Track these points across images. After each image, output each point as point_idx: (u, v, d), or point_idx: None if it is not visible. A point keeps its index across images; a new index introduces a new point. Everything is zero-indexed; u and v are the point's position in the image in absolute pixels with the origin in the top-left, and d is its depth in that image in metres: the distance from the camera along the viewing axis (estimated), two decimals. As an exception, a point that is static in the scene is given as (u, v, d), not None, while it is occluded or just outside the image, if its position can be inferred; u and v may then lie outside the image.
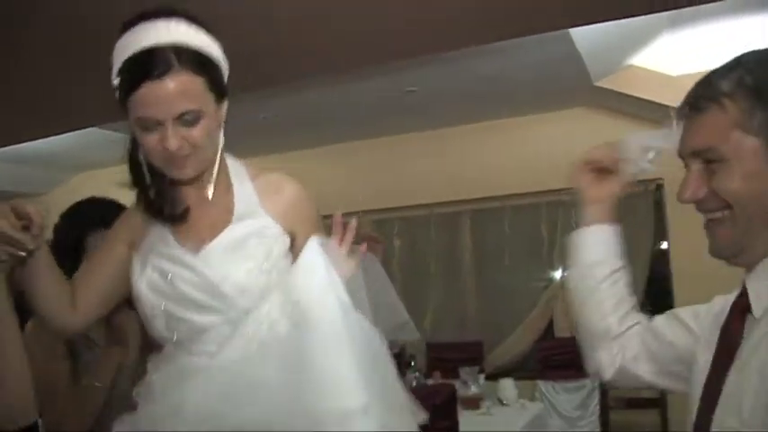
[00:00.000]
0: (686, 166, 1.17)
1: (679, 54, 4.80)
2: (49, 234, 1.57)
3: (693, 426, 1.16)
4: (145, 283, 1.45)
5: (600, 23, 3.97)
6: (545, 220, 6.42)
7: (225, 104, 1.45)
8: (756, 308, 1.10)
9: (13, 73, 3.91)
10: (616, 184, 1.42)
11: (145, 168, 1.44)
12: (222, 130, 1.47)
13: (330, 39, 3.93)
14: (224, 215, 1.47)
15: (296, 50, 4.11)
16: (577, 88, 5.56)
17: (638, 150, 1.36)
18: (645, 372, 1.36)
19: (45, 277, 1.44)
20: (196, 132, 1.36)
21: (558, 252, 6.31)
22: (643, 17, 3.94)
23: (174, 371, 1.43)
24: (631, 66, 5.31)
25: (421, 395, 3.87)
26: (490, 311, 6.58)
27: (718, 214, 1.12)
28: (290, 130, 6.41)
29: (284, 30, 3.79)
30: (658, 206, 6.00)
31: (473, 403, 4.42)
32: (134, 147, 1.44)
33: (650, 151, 1.34)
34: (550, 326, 6.27)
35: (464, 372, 4.70)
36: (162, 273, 1.44)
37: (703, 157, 1.12)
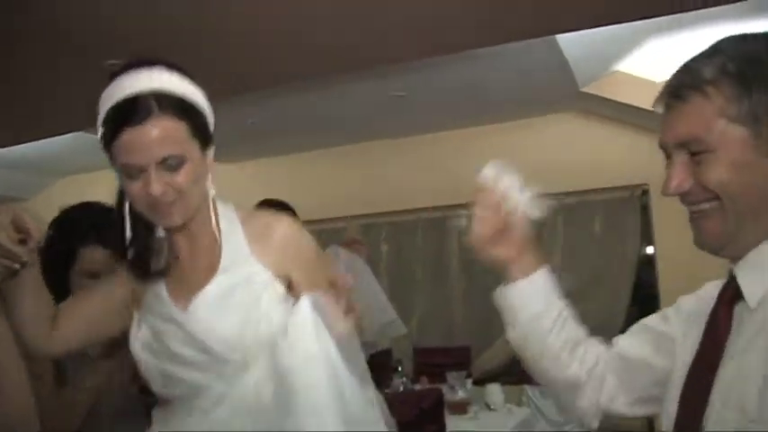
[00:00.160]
0: (668, 157, 1.13)
1: (665, 60, 4.83)
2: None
3: (675, 423, 1.12)
4: (140, 343, 1.46)
5: (586, 30, 4.00)
6: (532, 226, 6.43)
7: (211, 151, 1.43)
8: (751, 298, 1.07)
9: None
10: (518, 235, 1.37)
11: (127, 224, 1.43)
12: (211, 178, 1.44)
13: (317, 44, 3.93)
14: (213, 265, 1.44)
15: (283, 55, 4.11)
16: (564, 94, 5.58)
17: (514, 192, 1.35)
18: (623, 405, 1.31)
19: (30, 295, 1.43)
20: (180, 178, 1.34)
21: (545, 257, 6.31)
22: (629, 24, 3.97)
23: (174, 428, 1.44)
24: (617, 72, 5.34)
25: (408, 400, 3.89)
26: (477, 316, 6.57)
27: (705, 206, 1.09)
28: (277, 135, 6.40)
29: (271, 35, 3.79)
30: (644, 211, 6.03)
31: (460, 408, 4.41)
32: (120, 200, 1.44)
33: (525, 192, 1.33)
34: (537, 331, 6.26)
35: (451, 377, 4.69)
36: (155, 332, 1.44)
37: (688, 148, 1.08)
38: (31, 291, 1.43)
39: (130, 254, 1.45)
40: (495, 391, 4.69)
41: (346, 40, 3.94)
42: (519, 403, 5.03)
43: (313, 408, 1.28)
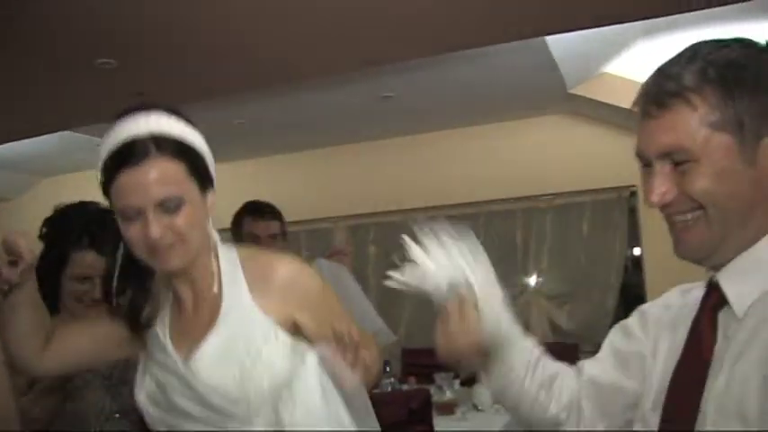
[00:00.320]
0: (646, 166, 1.10)
1: (653, 62, 4.83)
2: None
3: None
4: (144, 394, 1.44)
5: (575, 31, 4.01)
6: (520, 227, 6.44)
7: (211, 195, 1.41)
8: (738, 307, 1.05)
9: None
10: (474, 330, 1.30)
11: (115, 276, 1.42)
12: (211, 222, 1.43)
13: (306, 44, 3.92)
14: (214, 313, 1.41)
15: (271, 55, 4.10)
16: (552, 95, 5.60)
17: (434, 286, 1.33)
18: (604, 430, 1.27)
19: (23, 313, 1.42)
20: (179, 220, 1.32)
21: (533, 258, 6.34)
22: (618, 25, 3.98)
23: None
24: (606, 73, 5.35)
25: (396, 400, 3.88)
26: (465, 317, 6.57)
27: (688, 216, 1.06)
28: (265, 136, 6.39)
29: (260, 35, 3.78)
30: (632, 212, 6.05)
31: (448, 409, 4.41)
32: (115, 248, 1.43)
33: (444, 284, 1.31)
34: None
35: (439, 377, 4.69)
36: (158, 383, 1.42)
37: (672, 158, 1.05)
38: (25, 309, 1.42)
39: (124, 309, 1.43)
40: (482, 391, 4.68)
41: (336, 42, 3.93)
42: (506, 404, 5.02)
43: None
